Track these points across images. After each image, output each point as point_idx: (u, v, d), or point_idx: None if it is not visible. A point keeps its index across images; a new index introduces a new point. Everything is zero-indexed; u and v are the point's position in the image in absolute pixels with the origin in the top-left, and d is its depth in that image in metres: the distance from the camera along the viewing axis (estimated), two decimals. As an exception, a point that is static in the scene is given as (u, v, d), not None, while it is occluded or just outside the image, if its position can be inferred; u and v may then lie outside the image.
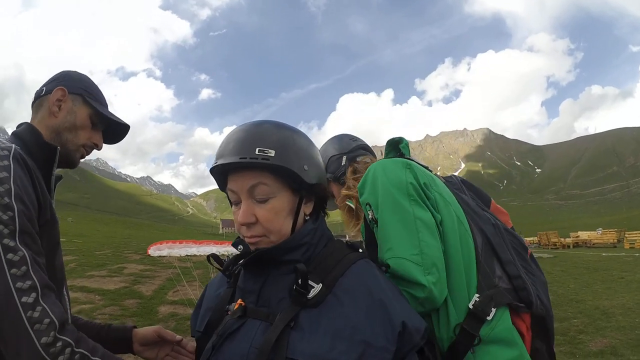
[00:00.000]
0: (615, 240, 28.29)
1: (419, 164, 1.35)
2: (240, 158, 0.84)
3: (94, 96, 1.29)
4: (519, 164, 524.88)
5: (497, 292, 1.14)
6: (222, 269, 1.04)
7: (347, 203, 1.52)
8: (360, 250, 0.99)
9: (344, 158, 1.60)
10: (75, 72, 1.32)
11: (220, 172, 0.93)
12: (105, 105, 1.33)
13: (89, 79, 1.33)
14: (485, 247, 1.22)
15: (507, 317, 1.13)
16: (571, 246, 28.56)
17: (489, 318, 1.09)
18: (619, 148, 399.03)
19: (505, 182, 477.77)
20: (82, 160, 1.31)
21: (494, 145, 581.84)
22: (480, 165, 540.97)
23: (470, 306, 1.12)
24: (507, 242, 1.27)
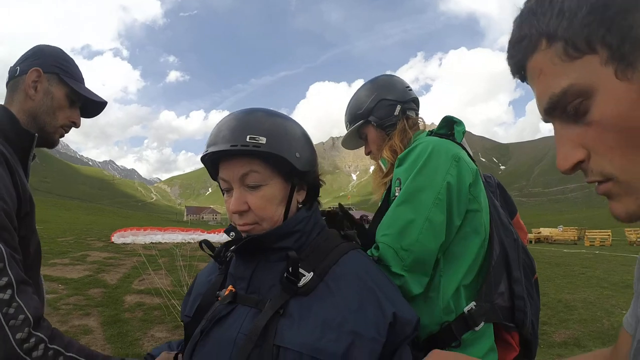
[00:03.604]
0: (576, 238, 29.49)
1: (468, 152, 1.27)
2: (231, 146, 0.83)
3: (69, 73, 1.28)
4: (484, 160, 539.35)
5: (492, 308, 1.16)
6: (213, 255, 1.01)
7: (380, 163, 1.44)
8: (354, 241, 0.99)
9: (398, 108, 1.45)
10: (48, 47, 1.29)
11: (212, 161, 0.92)
12: (81, 80, 1.32)
13: (63, 52, 1.31)
14: (500, 259, 1.20)
15: (491, 332, 1.18)
16: (533, 242, 29.39)
17: (476, 329, 1.11)
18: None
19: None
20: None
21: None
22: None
23: (465, 311, 1.13)
24: (520, 260, 1.27)
